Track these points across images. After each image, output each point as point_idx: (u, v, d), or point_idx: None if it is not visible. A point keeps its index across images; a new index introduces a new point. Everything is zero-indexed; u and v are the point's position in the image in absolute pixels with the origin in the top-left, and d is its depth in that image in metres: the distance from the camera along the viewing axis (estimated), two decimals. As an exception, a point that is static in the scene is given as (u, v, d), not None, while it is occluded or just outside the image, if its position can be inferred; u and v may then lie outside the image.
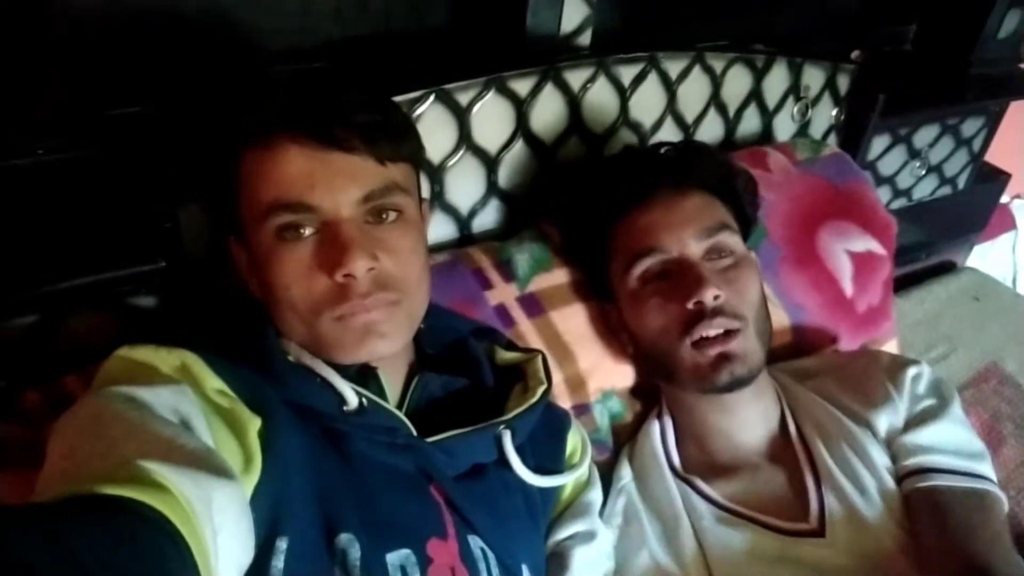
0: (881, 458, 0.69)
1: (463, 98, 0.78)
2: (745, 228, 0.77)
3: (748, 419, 0.73)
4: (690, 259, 0.69)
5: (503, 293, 0.77)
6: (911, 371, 0.74)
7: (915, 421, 0.70)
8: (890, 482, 0.67)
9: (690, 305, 0.67)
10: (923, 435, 0.69)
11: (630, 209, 0.72)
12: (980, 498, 0.65)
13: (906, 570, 0.62)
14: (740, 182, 0.76)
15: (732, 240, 0.71)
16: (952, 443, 0.68)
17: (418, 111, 0.75)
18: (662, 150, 0.77)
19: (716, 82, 0.96)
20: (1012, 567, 0.60)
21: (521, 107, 0.82)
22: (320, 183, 0.51)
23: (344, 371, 0.53)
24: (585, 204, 0.77)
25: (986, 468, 0.67)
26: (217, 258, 0.63)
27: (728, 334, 0.68)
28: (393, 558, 0.50)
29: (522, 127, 0.83)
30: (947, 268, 1.41)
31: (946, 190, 1.33)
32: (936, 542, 0.63)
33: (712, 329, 0.67)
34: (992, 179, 1.40)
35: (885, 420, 0.71)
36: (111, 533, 0.34)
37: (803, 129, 1.09)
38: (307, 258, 0.51)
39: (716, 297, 0.67)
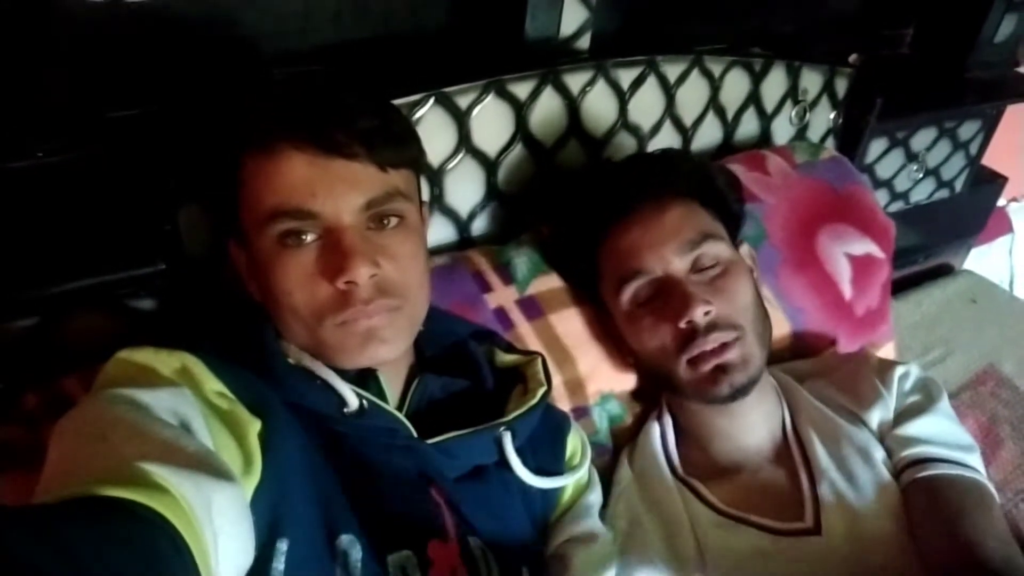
0: (878, 452, 0.70)
1: (463, 101, 0.78)
2: (733, 226, 0.76)
3: (751, 422, 0.73)
4: (675, 276, 0.69)
5: (502, 296, 0.77)
6: (899, 370, 0.75)
7: (905, 415, 0.71)
8: (887, 477, 0.68)
9: (681, 325, 0.67)
10: (915, 427, 0.69)
11: (611, 229, 0.72)
12: (977, 488, 0.65)
13: (902, 565, 0.63)
14: (720, 182, 0.76)
15: (717, 249, 0.70)
16: (943, 435, 0.69)
17: (418, 114, 0.76)
18: (637, 163, 0.77)
19: (714, 85, 0.97)
20: (1009, 554, 0.60)
21: (520, 110, 0.82)
22: (322, 190, 0.51)
23: (344, 373, 0.53)
24: (567, 229, 0.78)
25: (976, 461, 0.68)
26: (216, 260, 0.63)
27: (724, 345, 0.68)
28: (394, 559, 0.50)
29: (521, 130, 0.84)
30: (944, 271, 1.41)
31: (943, 193, 1.33)
32: (933, 529, 0.63)
33: (708, 345, 0.67)
34: (989, 182, 1.41)
35: (877, 415, 0.72)
36: (112, 535, 0.34)
37: (801, 132, 1.10)
38: (309, 264, 0.51)
39: (707, 313, 0.67)
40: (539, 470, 0.60)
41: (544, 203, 0.86)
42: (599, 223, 0.73)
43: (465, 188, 0.83)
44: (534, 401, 0.60)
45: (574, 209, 0.77)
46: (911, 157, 1.23)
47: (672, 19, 1.05)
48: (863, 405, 0.73)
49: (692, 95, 0.95)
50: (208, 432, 0.45)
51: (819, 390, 0.77)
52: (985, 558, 0.59)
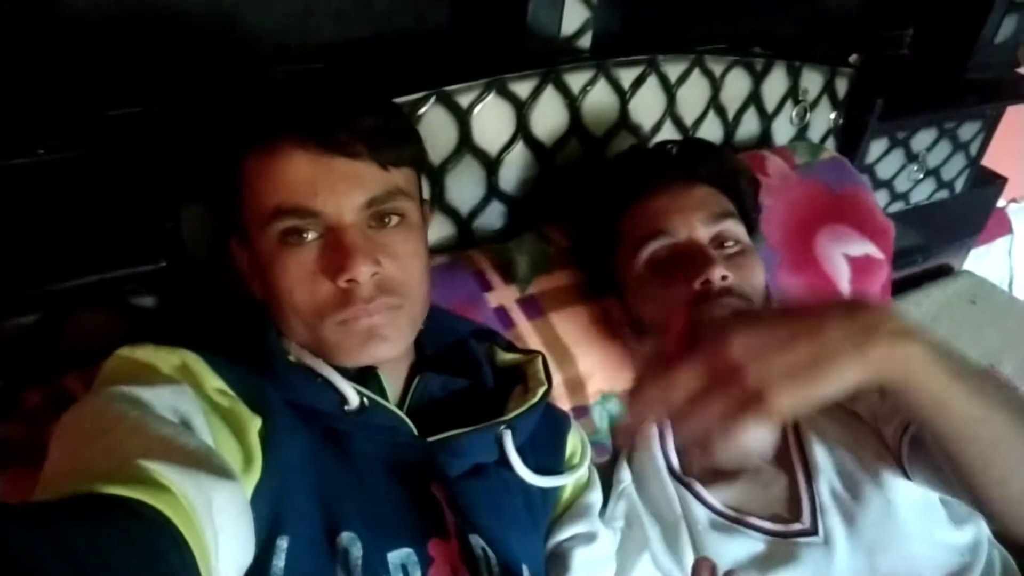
0: (873, 449, 0.69)
1: (464, 100, 0.78)
2: (748, 227, 0.77)
3: None
4: (698, 241, 0.70)
5: (503, 295, 0.77)
6: None
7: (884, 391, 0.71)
8: (883, 475, 0.67)
9: (697, 285, 0.68)
10: None
11: (640, 197, 0.74)
12: None
13: (900, 563, 0.63)
14: (743, 181, 0.78)
15: (738, 229, 0.72)
16: None
17: (419, 113, 0.75)
18: (671, 145, 0.79)
19: (715, 85, 0.97)
20: None
21: (521, 109, 0.82)
22: (323, 189, 0.51)
23: (345, 371, 0.53)
24: (595, 194, 0.79)
25: None
26: (218, 258, 0.63)
27: None
28: (394, 557, 0.50)
29: (522, 129, 0.84)
30: (944, 272, 1.41)
31: (943, 194, 1.34)
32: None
33: (719, 309, 0.67)
34: (989, 183, 1.41)
35: (865, 403, 0.72)
36: (113, 532, 0.34)
37: (802, 132, 1.10)
38: (310, 263, 0.52)
39: (724, 277, 0.68)
40: (539, 469, 0.60)
41: (545, 202, 0.86)
42: (629, 192, 0.75)
43: (466, 187, 0.83)
44: (534, 400, 0.60)
45: (603, 181, 0.78)
46: (911, 158, 1.23)
47: (673, 19, 1.05)
48: (855, 398, 0.73)
49: (693, 95, 0.95)
50: (209, 430, 0.45)
51: None
52: None
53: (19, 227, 0.61)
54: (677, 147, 0.78)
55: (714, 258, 0.68)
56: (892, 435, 0.68)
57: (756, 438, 0.73)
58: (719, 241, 0.71)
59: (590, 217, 0.79)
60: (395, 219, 0.54)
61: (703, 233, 0.71)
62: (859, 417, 0.72)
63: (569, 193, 0.84)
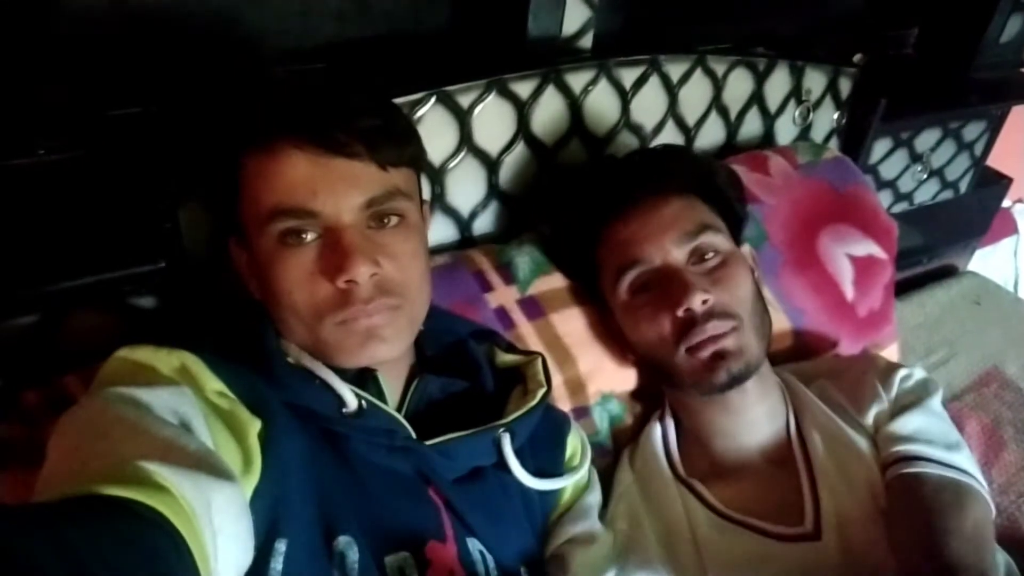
0: (874, 456, 0.69)
1: (464, 100, 0.78)
2: (735, 224, 0.76)
3: (753, 421, 0.73)
4: (673, 266, 0.69)
5: (503, 295, 0.77)
6: (901, 372, 0.74)
7: (895, 413, 0.71)
8: (874, 479, 0.67)
9: (679, 313, 0.67)
10: (900, 424, 0.69)
11: (611, 222, 0.72)
12: (956, 491, 0.64)
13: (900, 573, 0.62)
14: (721, 179, 0.76)
15: (716, 240, 0.71)
16: (928, 432, 0.68)
17: (419, 113, 0.75)
18: (638, 158, 0.77)
19: (718, 85, 0.96)
20: (973, 557, 0.59)
21: (522, 109, 0.82)
22: (322, 189, 0.51)
23: (343, 373, 0.53)
24: (567, 223, 0.78)
25: (962, 460, 0.67)
26: (217, 258, 0.63)
27: (722, 333, 0.67)
28: (391, 560, 0.50)
29: (523, 129, 0.83)
30: (948, 272, 1.41)
31: (947, 194, 1.33)
32: (903, 526, 0.62)
33: (706, 333, 0.67)
34: (994, 183, 1.40)
35: (872, 416, 0.71)
36: (112, 533, 0.34)
37: (804, 132, 1.09)
38: (309, 264, 0.51)
39: (704, 301, 0.67)
40: (538, 471, 0.60)
41: (546, 202, 0.86)
42: (600, 217, 0.73)
43: (466, 187, 0.83)
44: (533, 402, 0.60)
45: (576, 204, 0.77)
46: (915, 158, 1.23)
47: (675, 19, 1.04)
48: (862, 408, 0.72)
49: (695, 95, 0.95)
50: (208, 431, 0.45)
51: (824, 391, 0.76)
52: (949, 560, 0.58)
53: (19, 227, 0.61)
54: (643, 160, 0.76)
55: (691, 284, 0.67)
56: (883, 457, 0.68)
57: (752, 436, 0.73)
58: (699, 255, 0.70)
59: (567, 246, 0.79)
60: (394, 219, 0.54)
61: (678, 255, 0.69)
62: (863, 425, 0.72)
63: (547, 221, 0.83)
